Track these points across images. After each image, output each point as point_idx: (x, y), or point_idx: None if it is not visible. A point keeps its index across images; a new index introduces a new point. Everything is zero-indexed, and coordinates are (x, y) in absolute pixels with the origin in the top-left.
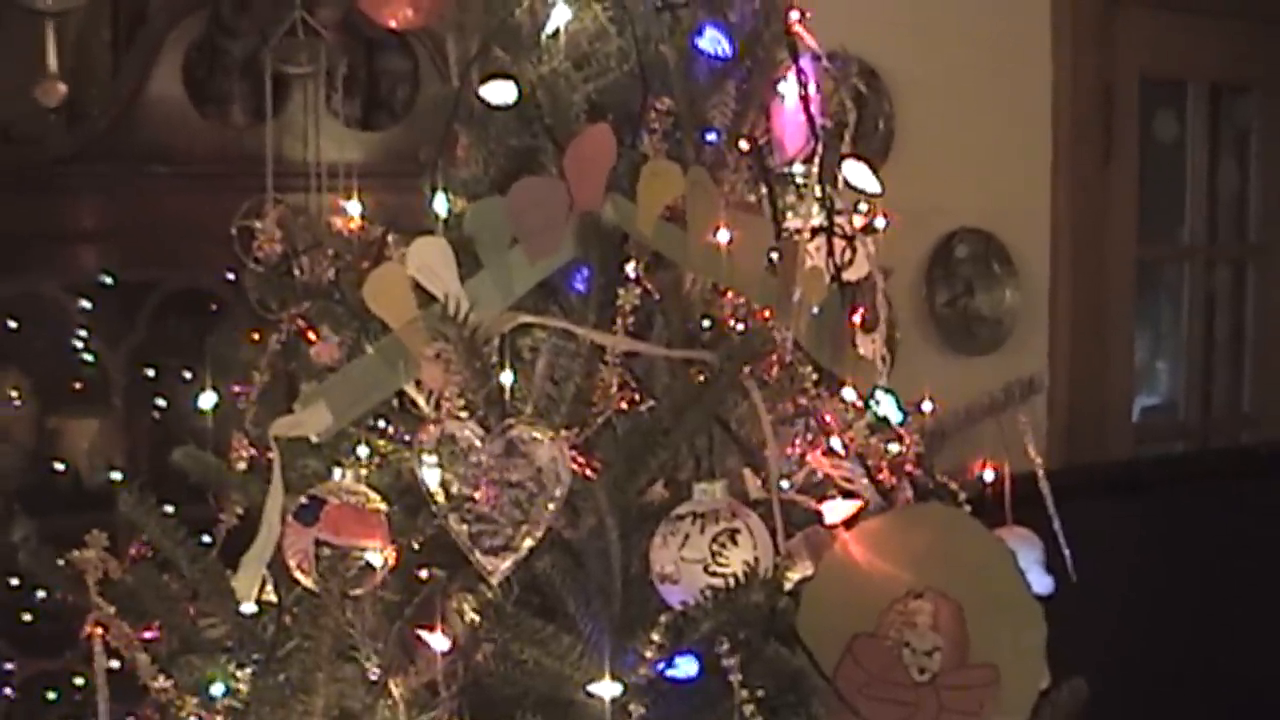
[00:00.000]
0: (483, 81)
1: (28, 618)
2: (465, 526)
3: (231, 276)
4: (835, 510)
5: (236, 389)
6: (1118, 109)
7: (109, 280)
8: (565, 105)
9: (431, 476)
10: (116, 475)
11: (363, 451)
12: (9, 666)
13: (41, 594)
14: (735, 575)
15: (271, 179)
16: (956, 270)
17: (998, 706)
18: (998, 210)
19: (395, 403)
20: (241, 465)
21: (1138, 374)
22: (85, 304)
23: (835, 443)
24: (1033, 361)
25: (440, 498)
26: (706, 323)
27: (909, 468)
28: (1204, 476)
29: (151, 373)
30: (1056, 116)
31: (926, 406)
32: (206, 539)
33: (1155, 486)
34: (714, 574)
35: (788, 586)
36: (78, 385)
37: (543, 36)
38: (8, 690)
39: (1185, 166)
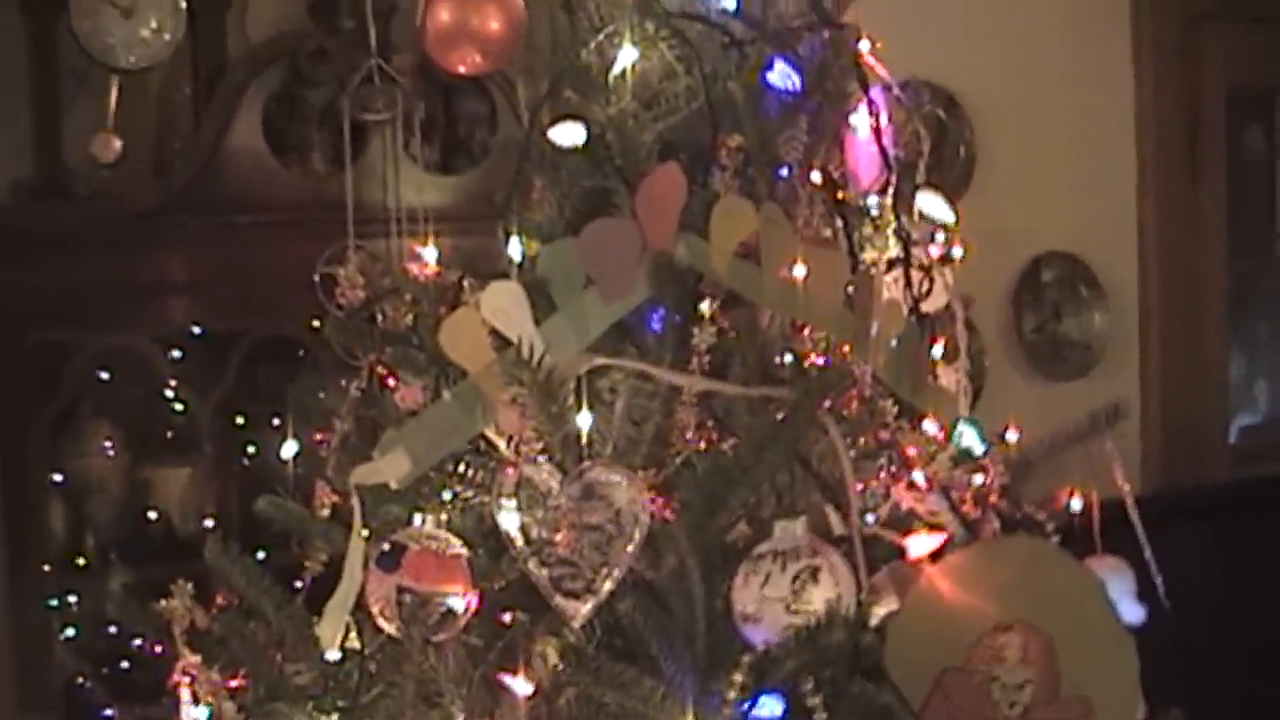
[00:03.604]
0: (552, 124)
1: (125, 665)
2: (545, 570)
3: (316, 324)
4: (919, 544)
5: (319, 437)
6: (1203, 124)
7: (197, 330)
8: (635, 145)
9: (510, 521)
10: (208, 523)
11: (444, 495)
12: (108, 713)
13: (136, 641)
14: (817, 614)
15: (352, 225)
16: (1044, 295)
17: None
18: (1084, 232)
19: (475, 446)
20: (325, 512)
21: (1235, 393)
22: (175, 354)
23: (918, 476)
24: (1124, 385)
25: (520, 542)
26: (787, 358)
27: (994, 499)
28: None
29: (240, 421)
30: (1140, 134)
31: (1011, 436)
32: (297, 584)
33: (1251, 509)
34: (796, 613)
35: (873, 622)
36: (169, 435)
37: (611, 77)
38: None
39: (1276, 180)
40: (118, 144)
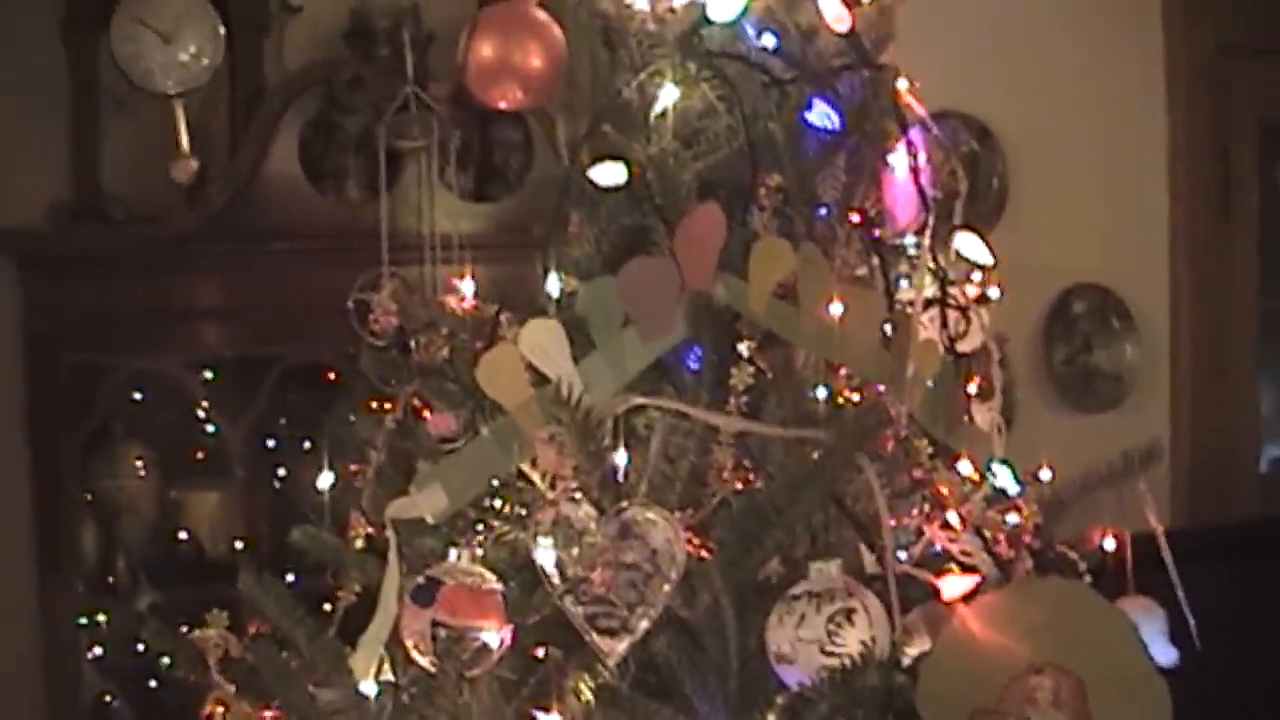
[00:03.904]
0: (592, 163)
1: (152, 684)
2: (581, 608)
3: (350, 351)
4: (953, 585)
5: (354, 468)
6: (1235, 158)
7: (230, 355)
8: (675, 184)
9: (547, 558)
10: (239, 545)
11: (479, 529)
12: None
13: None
14: (851, 656)
15: (386, 253)
16: (1075, 327)
17: None
18: (1115, 265)
19: (510, 479)
20: (359, 543)
21: (1268, 426)
22: (207, 377)
23: (952, 516)
24: (1155, 418)
25: (556, 579)
26: (823, 394)
27: (1027, 539)
28: None
29: (271, 445)
30: (1172, 167)
31: (1045, 475)
32: (328, 607)
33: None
34: (830, 654)
35: (905, 663)
36: (200, 458)
37: (651, 115)
38: None
39: None
40: (194, 165)
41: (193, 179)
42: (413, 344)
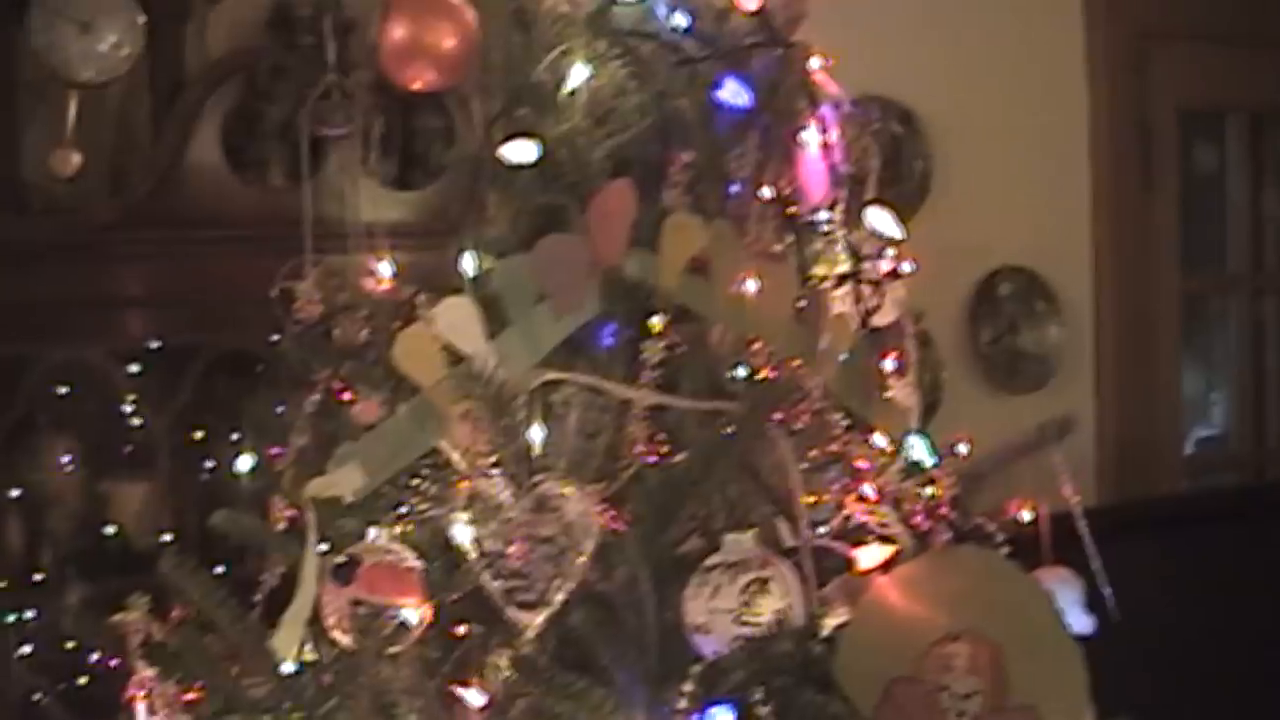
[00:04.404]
0: (504, 141)
1: (82, 681)
2: (499, 583)
3: (275, 338)
4: (869, 556)
5: (274, 451)
6: (1156, 141)
7: (155, 345)
8: (587, 162)
9: (464, 534)
10: (166, 537)
11: (399, 508)
12: None
13: (94, 656)
14: (767, 624)
15: (310, 240)
16: (1000, 308)
17: None
18: (1039, 247)
19: (430, 459)
20: (281, 526)
21: (1192, 406)
22: (133, 369)
23: (868, 488)
24: (1080, 397)
25: (473, 554)
26: (741, 371)
27: (944, 511)
28: (1253, 509)
29: (199, 435)
30: (1094, 151)
31: (962, 449)
32: (258, 596)
33: (1203, 521)
34: (745, 623)
35: (824, 633)
36: (126, 449)
37: (563, 94)
38: None
39: (1226, 197)
40: (77, 158)
41: (76, 171)
42: (333, 327)
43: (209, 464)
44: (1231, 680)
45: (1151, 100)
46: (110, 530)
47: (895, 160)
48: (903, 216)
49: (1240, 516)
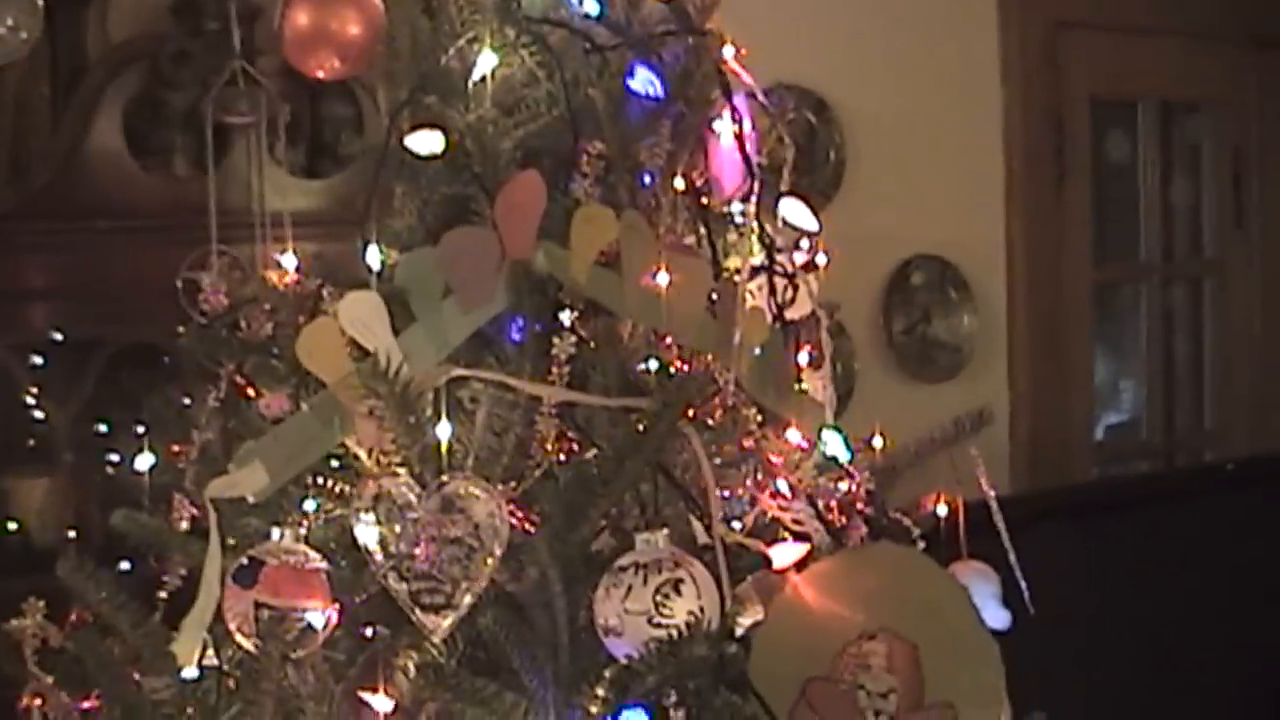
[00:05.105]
0: (410, 131)
1: None
2: (405, 585)
3: (179, 331)
4: (784, 553)
5: (175, 448)
6: (1068, 131)
7: (58, 337)
8: (494, 152)
9: (369, 534)
10: (70, 534)
11: (307, 506)
12: None
13: None
14: (679, 627)
15: (216, 231)
16: (913, 298)
17: None
18: (952, 237)
19: (337, 457)
20: (184, 525)
21: (1102, 395)
22: (34, 362)
23: (783, 484)
24: (993, 386)
25: (379, 556)
26: (653, 365)
27: (859, 506)
28: (1165, 496)
29: (103, 429)
30: (1008, 140)
31: (877, 442)
32: (163, 595)
33: (1116, 508)
34: (658, 625)
35: (738, 633)
36: (28, 444)
37: (471, 83)
38: None
39: (1138, 186)
40: None
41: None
42: (239, 320)
43: (113, 458)
44: (1142, 667)
45: (1064, 89)
46: (11, 527)
47: (809, 149)
48: (816, 206)
49: (1153, 502)
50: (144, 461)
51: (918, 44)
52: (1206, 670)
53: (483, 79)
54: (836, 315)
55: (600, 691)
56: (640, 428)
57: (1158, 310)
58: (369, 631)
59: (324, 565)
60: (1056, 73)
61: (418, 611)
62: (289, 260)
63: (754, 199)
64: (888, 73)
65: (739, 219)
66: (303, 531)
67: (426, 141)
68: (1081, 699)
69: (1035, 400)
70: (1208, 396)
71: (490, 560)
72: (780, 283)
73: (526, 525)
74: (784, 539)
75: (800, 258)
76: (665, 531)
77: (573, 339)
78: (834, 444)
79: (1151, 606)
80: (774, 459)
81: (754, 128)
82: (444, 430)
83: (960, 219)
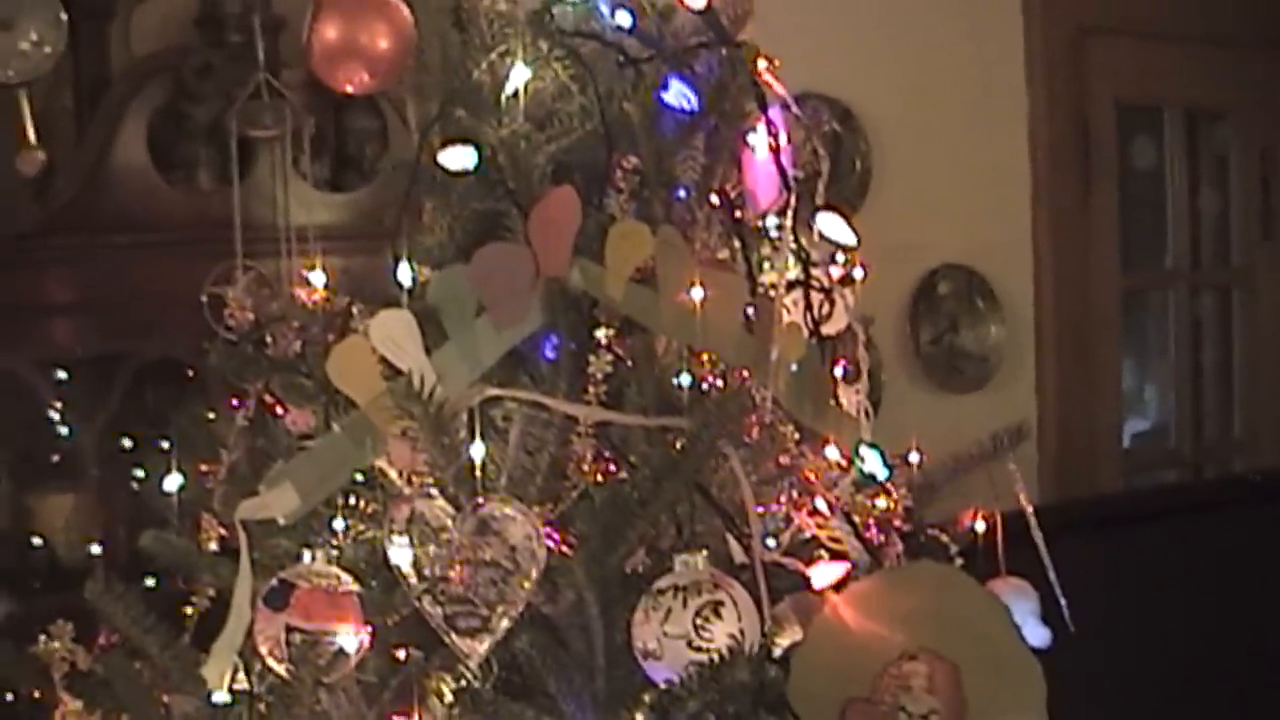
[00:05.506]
0: (441, 146)
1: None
2: (440, 608)
3: (205, 346)
4: (823, 574)
5: (204, 468)
6: (1094, 137)
7: (82, 353)
8: (528, 167)
9: (403, 557)
10: (95, 550)
11: (337, 525)
12: None
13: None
14: (720, 650)
15: (240, 244)
16: (940, 307)
17: None
18: (979, 245)
19: (367, 476)
20: (212, 546)
21: (1129, 402)
22: (59, 377)
23: (820, 502)
24: (1021, 396)
25: (413, 579)
26: (686, 380)
27: (897, 523)
28: (1194, 507)
29: (128, 445)
30: (1034, 147)
31: (914, 458)
32: (189, 610)
33: (1147, 519)
34: (698, 649)
35: (777, 654)
36: (53, 460)
37: (503, 97)
38: None
39: (1165, 193)
40: (41, 156)
41: (41, 171)
42: (265, 337)
43: (139, 474)
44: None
45: (1090, 96)
46: (36, 543)
47: (834, 158)
48: (842, 215)
49: (1183, 513)
50: (172, 482)
51: (942, 51)
52: (1237, 683)
53: (515, 93)
54: (871, 329)
55: (639, 717)
56: (678, 447)
57: (1185, 318)
58: (401, 654)
59: (355, 587)
60: (1081, 78)
61: (453, 635)
62: (318, 277)
63: (790, 212)
64: (913, 81)
65: (774, 233)
66: (334, 553)
67: (459, 157)
68: (1107, 713)
69: (1063, 410)
70: (1236, 405)
71: (527, 583)
72: (816, 297)
73: (563, 547)
74: (821, 558)
75: (836, 271)
76: (704, 553)
77: (609, 357)
78: (872, 461)
79: (1180, 619)
80: (811, 477)
81: (788, 141)
82: (478, 451)
83: (986, 226)
